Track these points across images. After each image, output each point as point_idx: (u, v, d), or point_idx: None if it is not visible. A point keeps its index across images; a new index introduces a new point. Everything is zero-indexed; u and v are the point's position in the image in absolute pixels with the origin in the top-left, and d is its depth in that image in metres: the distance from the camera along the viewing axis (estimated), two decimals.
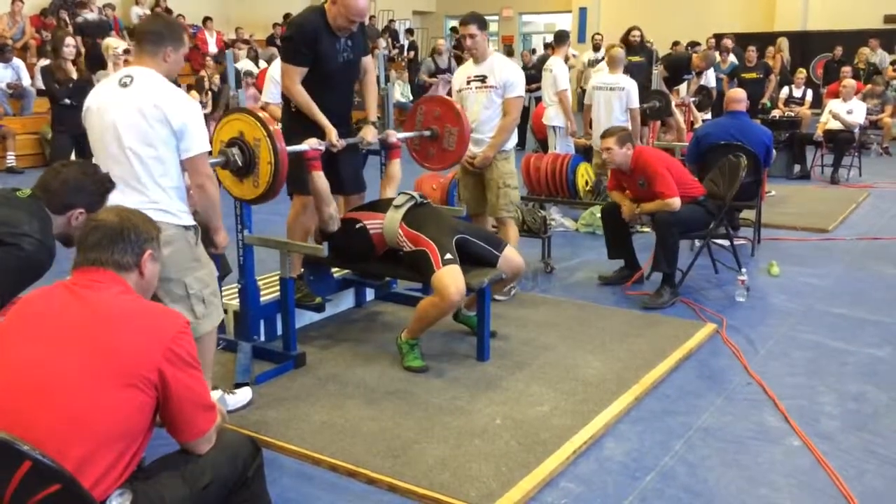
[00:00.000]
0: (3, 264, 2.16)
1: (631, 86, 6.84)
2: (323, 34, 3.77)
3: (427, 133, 4.48)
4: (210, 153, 3.02)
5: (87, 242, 1.95)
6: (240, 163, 3.24)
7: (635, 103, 6.82)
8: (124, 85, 2.82)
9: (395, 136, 4.29)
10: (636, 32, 9.29)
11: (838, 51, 13.60)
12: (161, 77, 2.84)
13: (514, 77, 4.68)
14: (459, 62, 6.76)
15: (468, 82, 4.75)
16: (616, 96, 6.79)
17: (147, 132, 2.76)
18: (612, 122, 6.63)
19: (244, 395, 3.37)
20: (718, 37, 14.03)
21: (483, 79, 4.68)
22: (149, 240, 2.02)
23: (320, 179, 3.76)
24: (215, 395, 2.98)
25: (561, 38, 7.88)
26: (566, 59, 8.00)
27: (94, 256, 1.93)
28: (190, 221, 2.92)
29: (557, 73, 7.24)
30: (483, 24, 4.76)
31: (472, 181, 4.86)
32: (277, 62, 5.33)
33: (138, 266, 1.98)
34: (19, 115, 11.05)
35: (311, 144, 3.71)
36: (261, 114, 3.23)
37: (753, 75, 10.36)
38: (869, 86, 11.16)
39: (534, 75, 10.24)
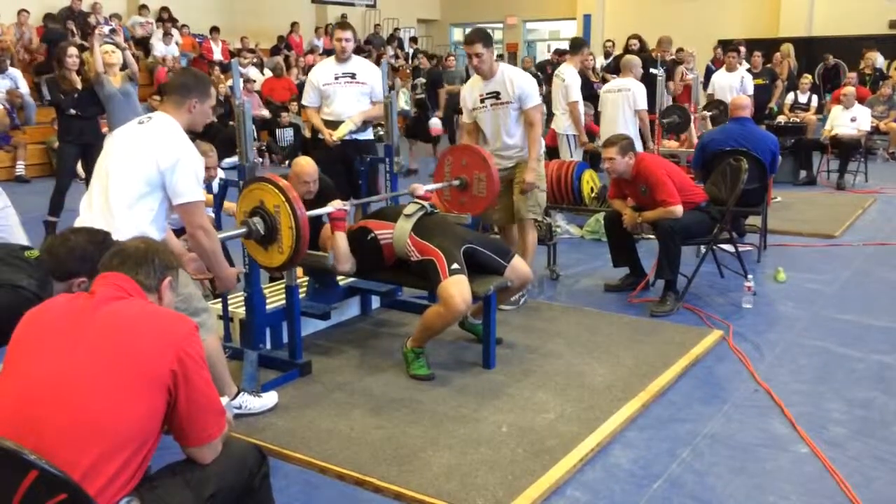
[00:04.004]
0: None
1: (637, 87, 6.84)
2: None
3: (456, 183, 4.46)
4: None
5: (112, 264, 2.00)
6: (262, 231, 3.28)
7: (642, 104, 6.80)
8: (141, 122, 2.97)
9: (422, 189, 4.11)
10: (634, 41, 9.24)
11: (830, 59, 13.79)
12: (176, 124, 2.95)
13: (528, 87, 4.60)
14: None
15: (482, 100, 4.66)
16: (623, 97, 6.80)
17: (135, 163, 2.84)
18: (622, 123, 6.64)
19: (270, 398, 3.41)
20: (724, 42, 14.06)
21: (496, 95, 4.61)
22: (169, 268, 2.10)
23: (342, 240, 3.76)
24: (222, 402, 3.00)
25: (575, 45, 7.70)
26: (589, 68, 7.78)
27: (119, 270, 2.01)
28: None
29: (570, 84, 7.06)
30: (488, 41, 4.59)
31: (503, 199, 4.69)
32: (317, 68, 5.42)
33: (158, 291, 2.05)
34: (23, 124, 11.08)
35: (334, 206, 3.74)
36: (280, 182, 3.26)
37: (759, 81, 10.32)
38: (877, 92, 11.12)
39: None
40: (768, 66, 11.69)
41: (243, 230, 3.31)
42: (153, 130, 2.91)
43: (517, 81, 4.59)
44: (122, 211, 2.82)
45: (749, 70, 10.20)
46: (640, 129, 6.87)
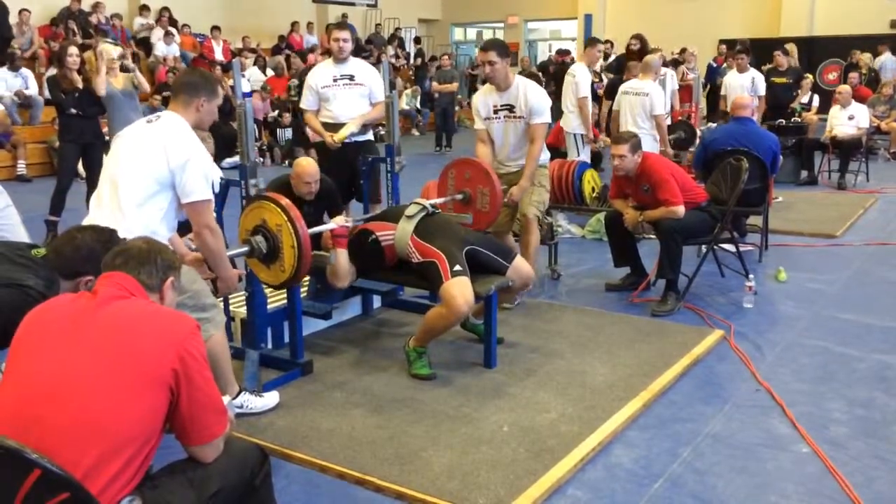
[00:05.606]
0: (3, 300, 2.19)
1: (655, 91, 6.81)
2: None
3: (460, 197, 4.45)
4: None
5: (114, 264, 2.00)
6: (264, 250, 3.30)
7: (659, 109, 6.77)
8: (150, 122, 2.99)
9: (426, 204, 4.06)
10: (634, 41, 9.14)
11: (857, 55, 13.63)
12: (185, 123, 2.97)
13: (540, 103, 4.56)
14: None
15: (495, 111, 4.62)
16: (640, 101, 6.79)
17: (145, 162, 2.85)
18: (639, 126, 6.63)
19: (271, 398, 3.41)
20: (727, 42, 14.04)
21: (511, 108, 4.57)
22: (172, 268, 2.10)
23: (342, 257, 3.76)
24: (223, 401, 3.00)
25: (587, 43, 7.78)
26: (593, 68, 7.78)
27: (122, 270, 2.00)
28: None
29: (580, 80, 7.12)
30: (504, 52, 4.52)
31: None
32: (315, 71, 5.41)
33: (160, 290, 2.05)
34: (28, 124, 11.14)
35: (337, 222, 3.75)
36: (282, 201, 3.25)
37: (783, 80, 10.20)
38: (877, 93, 11.09)
39: None
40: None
41: (246, 249, 3.33)
42: (162, 129, 2.92)
43: (531, 96, 4.54)
44: (132, 209, 2.82)
45: (774, 69, 10.15)
46: (659, 135, 6.85)
